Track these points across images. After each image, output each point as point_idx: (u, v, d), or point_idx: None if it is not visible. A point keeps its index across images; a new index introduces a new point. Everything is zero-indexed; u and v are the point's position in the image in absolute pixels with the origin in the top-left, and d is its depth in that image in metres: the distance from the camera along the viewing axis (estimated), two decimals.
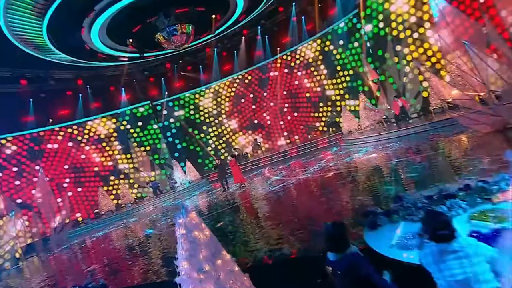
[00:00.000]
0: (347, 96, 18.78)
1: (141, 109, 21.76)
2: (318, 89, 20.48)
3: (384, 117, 15.16)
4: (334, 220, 2.68)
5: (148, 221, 12.99)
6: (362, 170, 9.51)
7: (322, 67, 20.04)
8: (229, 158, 13.45)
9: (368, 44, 16.16)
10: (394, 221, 3.93)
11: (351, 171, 9.81)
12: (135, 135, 21.30)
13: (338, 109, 19.48)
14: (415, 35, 13.90)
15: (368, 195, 6.87)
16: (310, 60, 20.42)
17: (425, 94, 14.03)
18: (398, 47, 14.66)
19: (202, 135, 22.77)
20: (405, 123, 13.82)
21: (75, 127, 20.02)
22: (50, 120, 19.08)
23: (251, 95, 22.82)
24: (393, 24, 14.59)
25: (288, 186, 10.37)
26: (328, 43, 19.10)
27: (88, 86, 20.25)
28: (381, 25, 15.16)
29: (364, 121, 15.98)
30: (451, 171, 6.45)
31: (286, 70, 21.61)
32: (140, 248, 8.75)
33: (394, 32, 14.59)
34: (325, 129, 20.28)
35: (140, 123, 21.53)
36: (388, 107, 15.28)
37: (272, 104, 22.42)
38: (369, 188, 7.60)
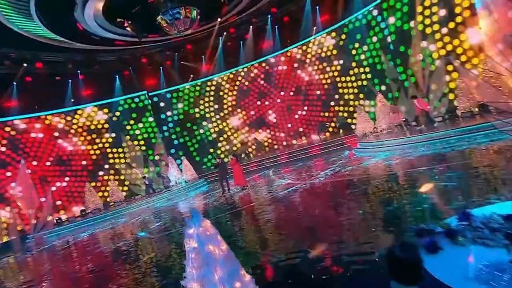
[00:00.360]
0: (361, 95, 18.41)
1: (136, 100, 21.57)
2: (330, 86, 20.17)
3: (404, 119, 14.65)
4: (403, 241, 2.12)
5: (139, 222, 12.66)
6: (384, 177, 9.00)
7: (335, 63, 19.67)
8: (230, 157, 12.81)
9: (389, 39, 15.66)
10: (459, 244, 3.38)
11: (370, 178, 9.36)
12: (128, 127, 21.11)
13: (351, 109, 19.14)
14: (444, 30, 13.37)
15: (399, 207, 6.30)
16: (323, 55, 20.04)
17: (451, 96, 13.50)
18: (424, 43, 14.14)
19: (201, 131, 22.72)
20: (428, 127, 13.30)
21: (62, 115, 19.64)
22: (36, 106, 18.54)
23: (257, 90, 22.55)
24: (419, 18, 14.07)
25: (298, 192, 9.92)
26: (343, 36, 18.72)
27: (79, 72, 19.86)
28: (405, 18, 14.64)
29: (381, 123, 15.55)
30: (499, 184, 5.90)
31: (296, 65, 21.29)
32: (129, 254, 8.30)
33: (420, 27, 14.08)
34: (336, 130, 20.01)
35: (134, 115, 21.35)
36: (409, 109, 14.79)
37: (279, 101, 22.15)
38: (397, 198, 7.04)
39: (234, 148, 22.48)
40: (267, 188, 12.03)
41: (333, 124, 20.16)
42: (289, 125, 21.87)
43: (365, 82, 18.05)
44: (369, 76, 17.72)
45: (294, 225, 7.16)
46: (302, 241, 5.97)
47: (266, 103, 22.37)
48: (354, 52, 18.20)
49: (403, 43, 14.98)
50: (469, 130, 10.68)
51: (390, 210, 6.25)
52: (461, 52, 12.94)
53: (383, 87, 16.85)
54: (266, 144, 22.19)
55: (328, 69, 20.01)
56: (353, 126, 17.71)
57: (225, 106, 22.85)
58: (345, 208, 7.28)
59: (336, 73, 19.74)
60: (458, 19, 12.87)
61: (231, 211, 10.01)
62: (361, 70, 18.04)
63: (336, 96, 19.90)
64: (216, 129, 22.84)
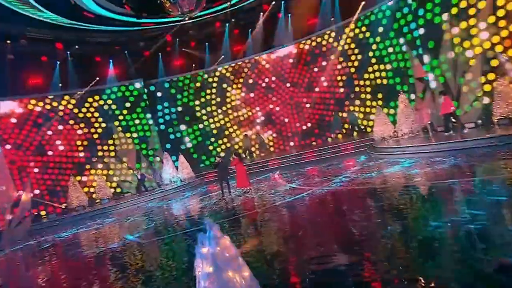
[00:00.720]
0: (380, 95, 17.85)
1: (131, 88, 21.17)
2: (346, 83, 19.64)
3: (430, 122, 14.03)
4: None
5: (128, 224, 12.24)
6: (409, 189, 8.31)
7: (353, 58, 19.12)
8: (232, 156, 12.63)
9: (417, 34, 15.01)
10: None
11: (393, 188, 8.68)
12: (121, 117, 20.65)
13: (368, 109, 18.60)
14: (482, 25, 12.67)
15: (437, 226, 5.55)
16: (340, 49, 19.49)
17: (487, 99, 12.82)
18: (457, 39, 13.44)
19: (201, 125, 22.48)
20: (458, 133, 12.66)
21: (48, 100, 19.09)
22: (18, 89, 18.01)
23: (264, 84, 22.07)
24: (454, 10, 13.38)
25: (308, 199, 9.31)
26: (364, 29, 18.14)
27: (68, 53, 19.34)
28: (437, 9, 13.96)
29: (403, 126, 14.97)
30: None
31: (309, 58, 20.78)
32: (113, 261, 7.75)
33: (454, 20, 13.38)
34: (349, 132, 19.52)
35: (128, 104, 20.85)
36: (434, 112, 14.18)
37: (288, 97, 21.66)
38: (432, 215, 6.31)
39: (236, 147, 22.10)
40: (273, 192, 11.51)
41: (347, 126, 19.64)
42: (298, 124, 21.46)
43: (385, 81, 17.50)
44: (390, 74, 17.17)
45: (308, 238, 6.49)
46: (320, 258, 5.24)
47: (274, 98, 21.89)
48: (374, 46, 17.63)
49: (433, 38, 14.29)
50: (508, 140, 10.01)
51: (429, 230, 5.50)
52: (501, 51, 12.23)
53: (406, 87, 16.19)
54: (271, 144, 21.89)
55: (344, 64, 19.50)
56: (369, 129, 17.34)
57: (228, 100, 22.48)
58: (370, 223, 6.58)
59: (353, 69, 19.18)
60: (500, 12, 12.17)
61: (230, 218, 9.46)
62: (382, 67, 17.46)
63: (352, 95, 19.43)
64: (218, 124, 22.54)
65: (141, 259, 7.55)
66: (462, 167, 9.32)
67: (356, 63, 18.96)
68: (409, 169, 10.32)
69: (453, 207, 6.45)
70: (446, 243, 4.87)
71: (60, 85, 19.36)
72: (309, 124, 21.03)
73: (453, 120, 13.32)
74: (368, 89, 18.52)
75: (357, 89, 19.09)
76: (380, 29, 17.01)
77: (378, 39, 17.26)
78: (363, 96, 18.87)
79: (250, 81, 22.09)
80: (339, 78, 19.80)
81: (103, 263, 7.88)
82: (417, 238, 5.33)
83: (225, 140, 22.51)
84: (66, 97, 19.41)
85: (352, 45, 18.91)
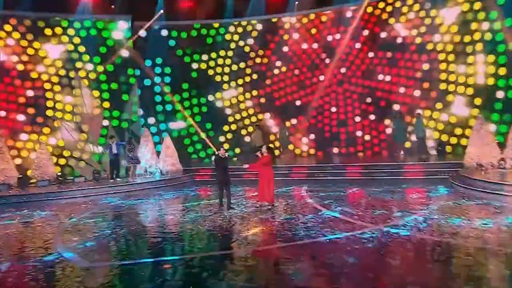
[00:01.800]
0: (478, 100, 16.96)
1: (112, 27, 20.53)
2: (430, 77, 18.61)
3: None
4: None
5: (70, 227, 11.28)
6: None
7: (448, 41, 18.00)
8: (262, 149, 12.03)
9: None
10: None
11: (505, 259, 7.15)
12: (89, 67, 20.05)
13: (458, 119, 17.57)
14: None
15: None
16: (429, 22, 18.39)
17: None
18: None
19: (203, 100, 22.16)
20: None
21: None
22: None
23: (303, 57, 21.49)
24: None
25: (363, 243, 8.06)
26: (478, 5, 16.99)
27: None
28: None
29: None
30: None
31: (377, 29, 19.86)
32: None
33: None
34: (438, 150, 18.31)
35: (103, 49, 20.20)
36: None
37: (336, 81, 20.99)
38: None
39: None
40: (300, 218, 10.57)
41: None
42: (341, 125, 20.89)
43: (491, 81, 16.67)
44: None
45: None
46: None
47: (314, 80, 21.23)
48: (485, 27, 16.70)
49: None
50: None
51: None
52: None
53: None
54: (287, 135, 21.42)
55: (432, 46, 18.41)
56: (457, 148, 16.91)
57: (247, 71, 22.07)
58: None
59: (451, 57, 17.99)
60: None
61: (226, 250, 8.42)
62: (488, 58, 16.82)
63: (435, 93, 18.30)
64: (227, 102, 22.23)
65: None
66: None
67: (450, 47, 17.94)
68: None
69: None
70: None
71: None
72: (359, 126, 20.61)
73: None
74: (469, 90, 17.40)
75: (443, 86, 18.09)
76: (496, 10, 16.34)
77: (492, 15, 16.50)
78: (450, 98, 17.82)
79: (285, 49, 21.69)
80: (425, 67, 18.78)
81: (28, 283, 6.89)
82: None
83: (233, 126, 22.19)
84: (12, 21, 18.50)
85: (453, 28, 17.89)
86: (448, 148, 17.50)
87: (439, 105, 18.14)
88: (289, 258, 7.46)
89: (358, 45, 20.26)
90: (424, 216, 10.01)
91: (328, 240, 8.40)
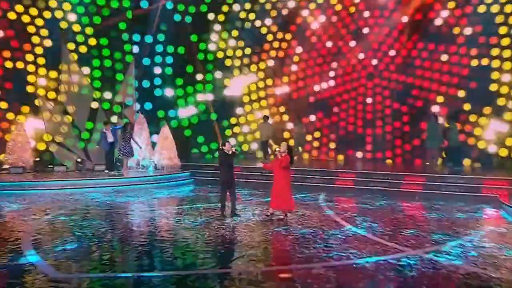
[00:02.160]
0: None
1: None
2: (479, 75, 17.89)
3: None
4: None
5: (45, 223, 11.17)
6: None
7: (504, 34, 17.34)
8: (282, 146, 11.75)
9: None
10: None
11: None
12: (80, 39, 19.58)
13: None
14: None
15: None
16: (484, 10, 17.74)
17: None
18: None
19: (209, 86, 21.92)
20: None
21: None
22: None
23: (330, 44, 20.77)
24: None
25: (399, 272, 7.52)
26: None
27: None
28: None
29: None
30: None
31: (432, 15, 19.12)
32: None
33: None
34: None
35: (97, 20, 19.78)
36: None
37: (366, 73, 20.51)
38: None
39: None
40: (320, 234, 10.06)
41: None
42: (372, 128, 20.34)
43: None
44: None
45: None
46: None
47: (340, 72, 20.69)
48: None
49: None
50: None
51: None
52: None
53: None
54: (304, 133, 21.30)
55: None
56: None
57: (263, 57, 21.61)
58: None
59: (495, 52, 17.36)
60: None
61: (229, 271, 7.84)
62: None
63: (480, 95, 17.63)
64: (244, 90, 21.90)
65: None
66: None
67: (506, 41, 17.09)
68: None
69: None
70: None
71: None
72: (396, 128, 20.04)
73: None
74: None
75: (493, 87, 17.48)
76: None
77: None
78: (503, 102, 17.27)
79: (308, 33, 21.29)
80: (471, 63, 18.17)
81: None
82: None
83: (249, 119, 21.80)
84: None
85: None
86: (496, 161, 17.11)
87: (487, 110, 17.41)
88: (305, 283, 6.83)
89: (394, 34, 19.57)
90: (473, 243, 9.40)
91: (353, 263, 7.92)
